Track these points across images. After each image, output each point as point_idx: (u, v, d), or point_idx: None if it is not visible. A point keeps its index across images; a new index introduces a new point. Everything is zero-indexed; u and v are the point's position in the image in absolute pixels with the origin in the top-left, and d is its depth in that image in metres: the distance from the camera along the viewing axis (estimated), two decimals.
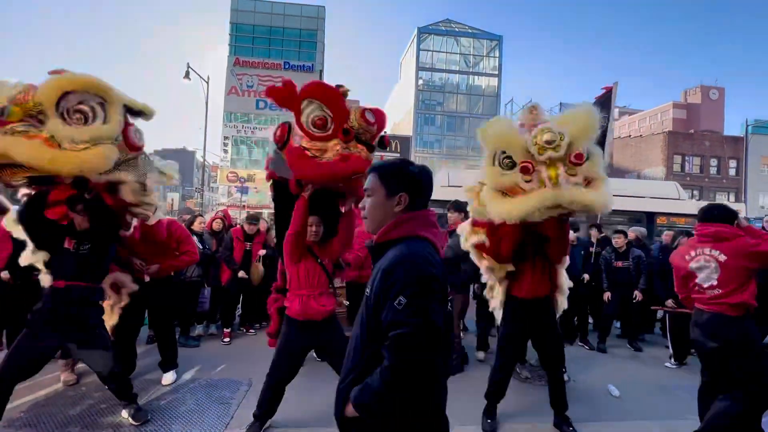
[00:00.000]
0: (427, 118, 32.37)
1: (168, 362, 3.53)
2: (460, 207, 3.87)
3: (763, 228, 5.11)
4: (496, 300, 3.27)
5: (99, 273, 2.64)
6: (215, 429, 2.75)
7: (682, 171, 28.14)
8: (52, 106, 2.17)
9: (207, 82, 19.55)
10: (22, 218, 2.47)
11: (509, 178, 2.42)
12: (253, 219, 4.88)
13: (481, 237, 2.92)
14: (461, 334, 5.47)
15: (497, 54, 32.54)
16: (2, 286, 3.60)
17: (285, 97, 2.32)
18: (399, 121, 34.49)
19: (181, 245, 3.52)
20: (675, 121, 39.05)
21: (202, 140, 23.16)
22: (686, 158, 28.68)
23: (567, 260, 2.95)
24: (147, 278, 3.25)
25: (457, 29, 32.78)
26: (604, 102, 3.68)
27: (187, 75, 17.89)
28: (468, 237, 3.04)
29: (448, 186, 9.75)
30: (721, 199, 26.89)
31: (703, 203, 11.13)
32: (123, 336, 3.29)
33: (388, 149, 2.49)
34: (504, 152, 2.45)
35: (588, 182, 2.39)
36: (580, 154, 2.31)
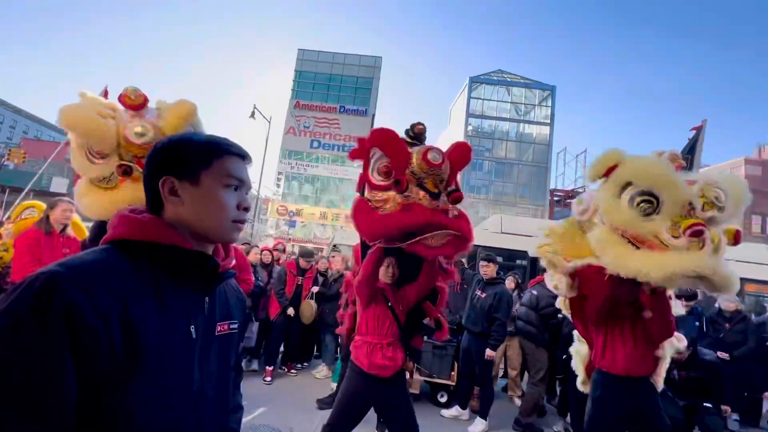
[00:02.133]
0: (475, 163, 32.30)
1: None
2: (492, 258, 4.01)
3: None
4: (580, 375, 2.81)
5: None
6: None
7: (764, 233, 25.20)
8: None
9: (269, 122, 21.04)
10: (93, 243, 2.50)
11: (650, 226, 1.95)
12: (309, 255, 4.81)
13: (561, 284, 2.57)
14: (518, 401, 4.88)
15: (549, 103, 32.34)
16: None
17: (358, 151, 2.16)
18: None
19: (242, 273, 3.47)
20: (748, 178, 35.47)
21: (254, 174, 24.50)
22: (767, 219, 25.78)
23: (680, 339, 2.44)
24: None
25: (508, 79, 33.25)
26: (693, 145, 3.22)
27: (252, 115, 19.42)
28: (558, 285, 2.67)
29: (501, 233, 9.32)
30: None
31: None
32: None
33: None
34: (645, 192, 1.98)
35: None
36: (740, 233, 1.94)
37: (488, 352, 3.74)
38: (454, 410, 4.07)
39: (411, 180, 1.94)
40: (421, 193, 1.93)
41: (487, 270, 3.86)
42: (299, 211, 28.73)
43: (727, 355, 4.41)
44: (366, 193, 2.08)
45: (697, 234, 1.86)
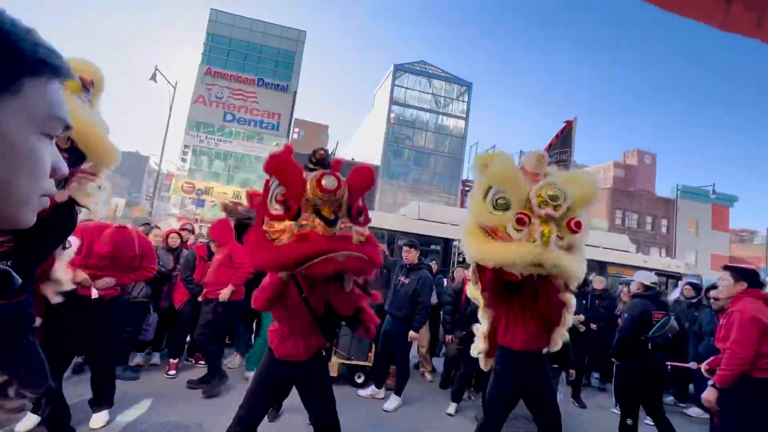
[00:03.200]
0: (395, 150, 33.05)
1: (102, 399, 2.95)
2: (414, 244, 4.14)
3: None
4: (481, 345, 3.12)
5: (21, 287, 2.16)
6: None
7: (623, 225, 30.73)
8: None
9: (174, 87, 18.71)
10: None
11: (498, 219, 2.31)
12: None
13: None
14: (428, 375, 5.26)
15: (466, 99, 34.41)
16: None
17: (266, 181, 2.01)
18: (368, 150, 34.94)
19: (144, 260, 3.07)
20: (615, 179, 43.07)
21: (155, 146, 21.83)
22: (626, 213, 31.48)
23: (568, 319, 2.82)
24: (94, 294, 2.76)
25: (430, 71, 34.41)
26: (565, 137, 3.75)
27: (153, 77, 17.05)
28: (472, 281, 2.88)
29: (419, 219, 9.77)
30: (655, 253, 29.49)
31: (646, 257, 12.15)
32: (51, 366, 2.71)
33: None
34: (501, 191, 2.36)
35: (569, 248, 2.33)
36: (580, 223, 2.24)
37: (412, 334, 3.92)
38: (370, 390, 4.22)
39: (307, 208, 1.84)
40: (317, 220, 1.83)
41: (408, 255, 4.00)
42: (209, 190, 26.35)
43: (595, 326, 5.31)
44: (264, 224, 1.94)
45: (520, 222, 2.20)
